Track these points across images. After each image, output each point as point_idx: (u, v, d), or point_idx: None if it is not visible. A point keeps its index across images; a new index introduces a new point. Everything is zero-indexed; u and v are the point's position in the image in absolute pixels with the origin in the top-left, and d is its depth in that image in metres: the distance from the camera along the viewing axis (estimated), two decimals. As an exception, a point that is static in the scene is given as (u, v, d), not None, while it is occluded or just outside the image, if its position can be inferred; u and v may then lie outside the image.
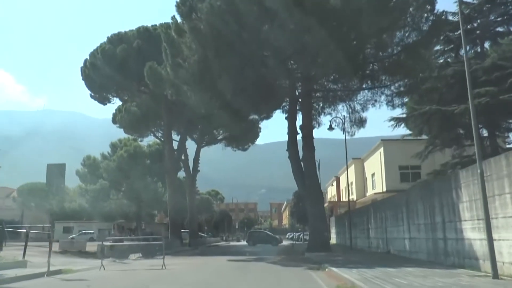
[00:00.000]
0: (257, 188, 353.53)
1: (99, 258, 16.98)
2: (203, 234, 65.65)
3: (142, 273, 15.40)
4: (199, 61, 24.82)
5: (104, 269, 16.17)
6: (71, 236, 66.69)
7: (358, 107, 32.24)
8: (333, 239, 44.00)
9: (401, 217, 20.99)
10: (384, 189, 53.11)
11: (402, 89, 30.97)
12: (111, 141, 76.67)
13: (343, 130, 31.69)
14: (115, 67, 39.29)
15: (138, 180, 68.83)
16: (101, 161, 73.92)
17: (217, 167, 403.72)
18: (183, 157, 55.80)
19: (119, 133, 70.12)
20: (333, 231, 46.68)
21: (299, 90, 29.88)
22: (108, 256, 17.66)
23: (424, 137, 44.49)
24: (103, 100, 45.52)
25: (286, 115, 31.11)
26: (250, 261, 21.89)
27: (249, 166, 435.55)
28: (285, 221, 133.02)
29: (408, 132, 36.65)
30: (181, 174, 62.94)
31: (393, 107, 30.23)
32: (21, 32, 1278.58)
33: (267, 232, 64.02)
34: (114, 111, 53.70)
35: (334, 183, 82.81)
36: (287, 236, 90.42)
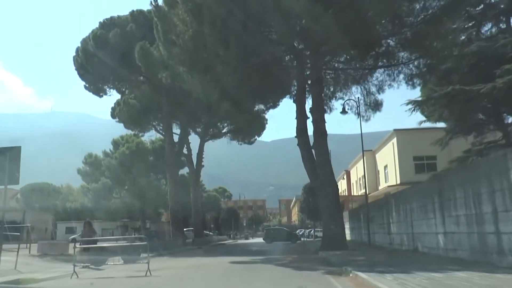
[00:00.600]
0: (265, 185, 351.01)
1: (76, 262, 13.90)
2: (208, 232, 62.62)
3: (117, 283, 12.28)
4: (193, 37, 21.66)
5: (78, 277, 13.10)
6: (72, 236, 63.79)
7: (373, 89, 28.94)
8: (347, 235, 40.74)
9: (431, 208, 17.72)
10: (398, 182, 50.27)
11: (421, 67, 27.70)
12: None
13: (358, 114, 28.43)
14: (108, 54, 36.11)
15: (141, 177, 65.90)
16: (102, 159, 71.10)
17: (225, 165, 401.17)
18: (186, 152, 52.80)
19: (125, 133, 67.44)
20: (346, 227, 43.28)
21: (308, 72, 26.61)
22: (84, 260, 14.57)
23: (439, 125, 41.35)
24: (99, 92, 42.40)
25: (294, 98, 27.83)
26: (256, 262, 18.76)
27: (257, 163, 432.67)
28: (294, 217, 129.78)
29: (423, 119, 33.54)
30: (186, 170, 60.12)
31: (413, 86, 26.97)
32: (27, 34, 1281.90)
33: (285, 228, 60.74)
34: (112, 105, 50.80)
35: (345, 177, 79.66)
36: (296, 233, 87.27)
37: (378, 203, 29.68)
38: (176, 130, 53.69)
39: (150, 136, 57.71)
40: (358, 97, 28.76)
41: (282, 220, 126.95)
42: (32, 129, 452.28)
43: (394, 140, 52.75)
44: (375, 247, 25.62)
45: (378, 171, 62.45)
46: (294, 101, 27.17)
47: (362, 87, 28.82)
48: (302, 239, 53.85)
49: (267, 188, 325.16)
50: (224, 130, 56.61)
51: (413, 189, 21.53)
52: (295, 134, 25.73)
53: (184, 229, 65.01)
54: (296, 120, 25.71)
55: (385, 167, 58.92)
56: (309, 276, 12.53)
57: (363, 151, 31.00)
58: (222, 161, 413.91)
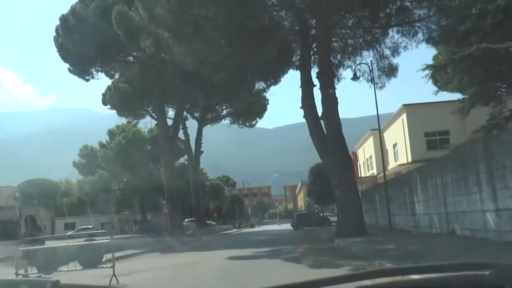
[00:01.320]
0: (270, 173, 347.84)
1: (17, 268, 10.41)
2: (211, 222, 59.17)
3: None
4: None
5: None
6: (69, 233, 60.50)
7: (387, 52, 25.19)
8: None
9: (474, 181, 14.11)
10: (409, 160, 46.91)
11: (439, 25, 24.00)
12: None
13: (371, 79, 24.67)
14: (91, 31, 32.26)
15: (140, 167, 62.60)
16: (98, 150, 67.75)
17: (228, 154, 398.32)
18: (183, 137, 49.34)
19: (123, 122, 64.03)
20: None
21: (313, 32, 22.88)
22: (28, 266, 11.05)
23: (452, 98, 38.06)
24: (84, 75, 38.66)
25: (298, 65, 24.10)
26: (261, 257, 15.16)
27: (260, 151, 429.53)
28: (300, 203, 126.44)
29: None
30: (185, 159, 56.56)
31: (435, 43, 23.20)
32: (25, 32, 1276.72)
33: (316, 213, 56.94)
34: (103, 91, 47.26)
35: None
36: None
37: (397, 180, 26.06)
38: (172, 114, 50.31)
39: (146, 123, 54.09)
40: (371, 60, 25.02)
41: (288, 206, 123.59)
42: (34, 126, 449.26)
43: (404, 116, 49.47)
44: (398, 231, 22.07)
45: (387, 150, 58.96)
46: (297, 68, 23.49)
47: (374, 50, 25.10)
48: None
49: (272, 176, 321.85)
50: (223, 113, 53.12)
51: (445, 159, 17.82)
52: (300, 105, 22.09)
53: (186, 220, 61.86)
54: (301, 89, 22.08)
55: (394, 145, 55.56)
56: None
57: (379, 125, 27.27)
58: (225, 151, 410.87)
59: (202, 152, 50.11)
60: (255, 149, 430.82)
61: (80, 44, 33.63)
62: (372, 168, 66.47)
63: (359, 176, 68.35)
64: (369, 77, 24.92)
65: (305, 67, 22.19)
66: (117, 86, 44.30)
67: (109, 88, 45.83)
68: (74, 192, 78.54)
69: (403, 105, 50.66)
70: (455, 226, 16.04)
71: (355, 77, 23.75)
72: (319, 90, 21.15)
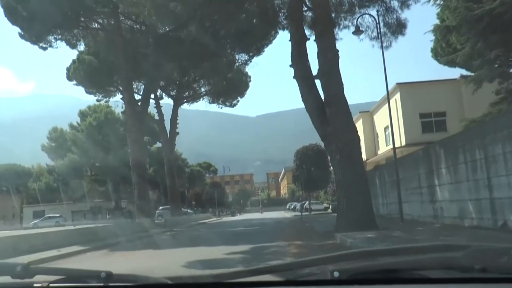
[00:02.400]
0: (252, 161, 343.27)
1: None
2: (188, 210, 53.97)
3: None
4: None
5: None
6: (33, 222, 55.03)
7: (394, 4, 20.27)
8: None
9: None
10: (403, 143, 42.56)
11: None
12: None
13: (377, 36, 19.68)
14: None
15: (112, 151, 57.20)
16: (67, 133, 62.15)
17: (210, 142, 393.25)
18: (157, 117, 44.23)
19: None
20: None
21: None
22: None
23: (448, 77, 34.89)
24: (39, 42, 32.92)
25: (286, 19, 19.08)
26: (235, 261, 10.08)
27: (243, 139, 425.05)
28: (284, 190, 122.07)
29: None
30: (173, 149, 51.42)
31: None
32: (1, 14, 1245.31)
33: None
34: (67, 66, 41.75)
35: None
36: (287, 207, 79.34)
37: (407, 160, 21.13)
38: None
39: (117, 102, 48.64)
40: (378, 11, 20.00)
41: (271, 194, 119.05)
42: (13, 113, 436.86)
43: (397, 95, 45.15)
44: (412, 223, 17.35)
45: (377, 134, 54.69)
46: (285, 18, 18.47)
47: (379, 1, 20.11)
48: (299, 213, 45.77)
49: (254, 163, 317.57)
50: (201, 92, 48.05)
51: (494, 123, 12.79)
52: (290, 62, 16.99)
53: (160, 208, 56.72)
54: (290, 42, 17.03)
55: (386, 128, 51.07)
56: None
57: (388, 92, 22.25)
58: (207, 139, 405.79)
59: (178, 133, 44.98)
60: (238, 137, 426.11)
61: (32, 4, 28.20)
62: (361, 153, 62.18)
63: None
64: (373, 34, 20.04)
65: (294, 15, 17.10)
66: (82, 59, 39.02)
67: (73, 61, 40.50)
68: (43, 178, 72.77)
69: (397, 83, 46.44)
70: (509, 217, 11.28)
71: (357, 31, 18.69)
72: (315, 43, 16.13)
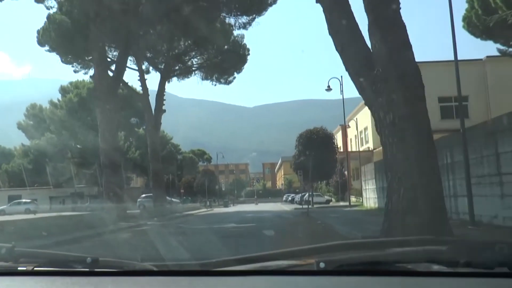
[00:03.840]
0: (248, 151, 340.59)
1: None
2: (173, 199, 47.70)
3: None
4: None
5: None
6: (1, 207, 48.82)
7: None
8: (372, 201, 26.16)
9: None
10: None
11: None
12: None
13: None
14: None
15: (95, 132, 51.00)
16: (45, 109, 55.95)
17: (206, 131, 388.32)
18: (141, 92, 38.16)
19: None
20: (371, 188, 27.78)
21: None
22: None
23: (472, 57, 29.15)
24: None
25: None
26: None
27: (239, 129, 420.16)
28: (280, 181, 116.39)
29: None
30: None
31: None
32: None
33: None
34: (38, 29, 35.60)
35: (339, 133, 65.84)
36: (283, 199, 73.47)
37: (477, 132, 14.40)
38: (131, 65, 39.05)
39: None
40: None
41: (267, 184, 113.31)
42: (9, 97, 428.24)
43: None
44: (490, 228, 11.40)
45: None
46: None
47: None
48: (306, 206, 39.90)
49: (250, 155, 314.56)
50: (194, 66, 41.99)
51: None
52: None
53: (142, 195, 50.68)
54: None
55: (398, 114, 44.97)
56: None
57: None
58: (203, 127, 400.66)
59: (165, 111, 38.89)
60: (234, 128, 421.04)
61: None
62: (367, 142, 56.40)
63: (350, 150, 58.49)
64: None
65: None
66: (53, 19, 32.86)
67: (45, 23, 34.41)
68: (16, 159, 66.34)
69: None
70: None
71: None
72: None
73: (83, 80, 53.22)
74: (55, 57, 36.29)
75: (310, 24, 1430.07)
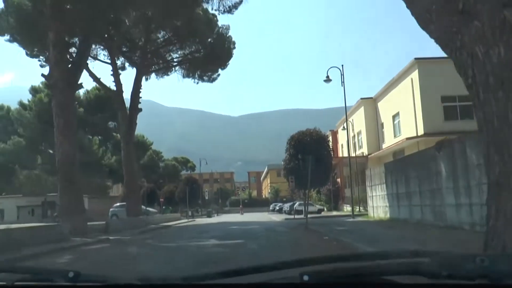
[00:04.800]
0: (233, 161, 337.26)
1: None
2: (151, 209, 42.82)
3: None
4: None
5: None
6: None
7: None
8: (379, 212, 21.72)
9: None
10: (421, 132, 34.83)
11: None
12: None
13: None
14: None
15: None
16: (12, 111, 51.15)
17: (191, 140, 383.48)
18: (114, 88, 33.76)
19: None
20: (380, 195, 23.28)
21: None
22: None
23: None
24: None
25: None
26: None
27: (225, 138, 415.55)
28: (266, 190, 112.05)
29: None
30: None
31: None
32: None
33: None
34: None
35: (330, 139, 61.96)
36: (271, 208, 69.10)
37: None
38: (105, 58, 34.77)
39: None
40: None
41: (252, 193, 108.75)
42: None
43: (415, 74, 36.18)
44: None
45: (382, 124, 45.36)
46: None
47: None
48: (289, 216, 35.89)
49: (235, 164, 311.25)
50: (174, 61, 37.78)
51: None
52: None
53: (115, 205, 45.98)
54: None
55: (395, 116, 41.73)
56: None
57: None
58: (188, 136, 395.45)
59: (141, 110, 34.58)
60: (220, 137, 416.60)
61: None
62: (361, 147, 52.62)
63: (342, 156, 54.73)
64: None
65: None
66: (10, 1, 28.43)
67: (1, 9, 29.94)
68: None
69: (415, 59, 37.25)
70: None
71: None
72: None
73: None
74: (37, 65, 31.76)
75: (297, 34, 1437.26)
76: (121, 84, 33.57)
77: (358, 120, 51.59)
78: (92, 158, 47.47)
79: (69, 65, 21.49)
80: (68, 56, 23.31)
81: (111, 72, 33.39)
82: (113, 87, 33.63)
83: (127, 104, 34.25)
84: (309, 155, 31.43)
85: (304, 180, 33.11)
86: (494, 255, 1.52)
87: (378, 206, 21.67)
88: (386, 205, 20.38)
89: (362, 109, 48.73)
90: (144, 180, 75.99)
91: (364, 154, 48.66)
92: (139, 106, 34.28)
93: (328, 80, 27.91)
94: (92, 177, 50.18)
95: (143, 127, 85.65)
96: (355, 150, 54.21)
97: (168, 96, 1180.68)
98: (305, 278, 1.47)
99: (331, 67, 29.27)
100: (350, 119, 52.78)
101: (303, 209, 42.24)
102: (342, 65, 29.03)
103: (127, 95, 34.51)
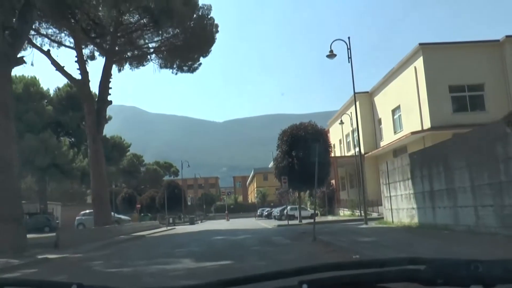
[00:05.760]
0: (218, 166, 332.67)
1: None
2: (123, 217, 37.37)
3: None
4: None
5: None
6: None
7: None
8: (402, 215, 16.68)
9: None
10: (427, 126, 30.98)
11: None
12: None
13: None
14: None
15: (35, 136, 41.34)
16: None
17: (175, 146, 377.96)
18: (80, 78, 28.82)
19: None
20: (403, 194, 18.12)
21: None
22: None
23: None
24: None
25: None
26: None
27: (209, 144, 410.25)
28: (252, 195, 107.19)
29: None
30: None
31: None
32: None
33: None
34: None
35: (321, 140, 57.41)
36: (258, 214, 64.17)
37: None
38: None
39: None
40: None
41: (238, 199, 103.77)
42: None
43: (419, 62, 32.15)
44: None
45: (380, 120, 41.16)
46: None
47: None
48: (281, 222, 31.33)
49: (220, 170, 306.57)
50: (150, 49, 32.99)
51: None
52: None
53: (82, 212, 40.75)
54: None
55: (395, 110, 37.52)
56: None
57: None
58: (172, 142, 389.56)
59: (111, 102, 29.74)
60: (204, 143, 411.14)
61: None
62: (355, 146, 48.23)
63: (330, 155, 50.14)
64: None
65: None
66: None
67: None
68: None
69: (420, 44, 33.17)
70: None
71: None
72: None
73: (22, 75, 43.56)
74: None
75: (281, 40, 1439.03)
76: (87, 73, 28.73)
77: (352, 117, 47.24)
78: (61, 161, 42.27)
79: (5, 31, 16.55)
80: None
81: (76, 59, 28.54)
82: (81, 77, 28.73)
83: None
84: (301, 152, 26.99)
85: (299, 179, 28.63)
86: (488, 261, 1.27)
87: (400, 208, 16.99)
88: (413, 207, 15.74)
89: (357, 105, 44.43)
90: (124, 186, 71.00)
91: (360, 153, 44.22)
92: (109, 98, 29.49)
93: (332, 55, 23.37)
94: (61, 181, 44.95)
95: (127, 134, 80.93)
96: (349, 150, 49.87)
97: (152, 102, 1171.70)
98: (304, 286, 1.42)
99: (335, 40, 24.67)
100: (348, 113, 48.41)
101: (295, 214, 37.63)
102: (349, 37, 24.49)
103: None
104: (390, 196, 17.76)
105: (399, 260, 1.51)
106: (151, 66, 33.97)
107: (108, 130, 49.40)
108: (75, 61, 28.46)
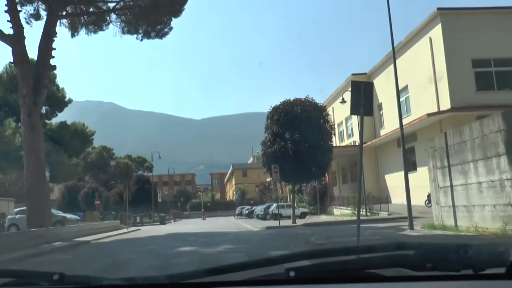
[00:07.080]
0: (196, 164, 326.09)
1: None
2: (70, 216, 29.68)
3: None
4: None
5: None
6: None
7: None
8: (474, 217, 10.23)
9: None
10: (447, 106, 25.67)
11: None
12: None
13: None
14: None
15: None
16: None
17: (152, 143, 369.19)
18: (12, 32, 21.72)
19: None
20: (458, 192, 11.72)
21: None
22: None
23: None
24: None
25: None
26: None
27: (187, 142, 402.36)
28: (230, 193, 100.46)
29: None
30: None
31: None
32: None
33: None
34: None
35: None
36: (237, 212, 57.59)
37: None
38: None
39: None
40: None
41: (216, 196, 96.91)
42: None
43: (437, 30, 26.21)
44: None
45: (380, 105, 35.10)
46: None
47: None
48: (273, 222, 24.97)
49: (198, 167, 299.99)
50: (109, 8, 26.05)
51: None
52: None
53: (16, 210, 33.09)
54: None
55: (401, 91, 30.87)
56: None
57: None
58: (148, 140, 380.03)
59: (54, 67, 22.93)
60: (181, 139, 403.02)
61: None
62: (350, 136, 42.28)
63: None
64: None
65: None
66: None
67: None
68: None
69: (438, 9, 27.06)
70: None
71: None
72: None
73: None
74: None
75: (264, 37, 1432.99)
76: (22, 27, 21.70)
77: (347, 104, 40.76)
78: (5, 147, 34.87)
79: None
80: None
81: (6, 9, 21.45)
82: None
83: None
84: (297, 133, 20.34)
85: (294, 169, 21.95)
86: (477, 246, 1.28)
87: (476, 205, 10.15)
88: (500, 203, 9.15)
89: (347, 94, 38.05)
90: (93, 181, 63.72)
91: (357, 143, 37.77)
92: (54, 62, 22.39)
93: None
94: (5, 170, 37.50)
95: (104, 130, 74.08)
96: (341, 140, 43.67)
97: (130, 98, 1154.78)
98: (291, 274, 1.42)
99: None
100: (333, 106, 42.14)
101: (282, 213, 31.13)
102: None
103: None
104: (451, 186, 11.08)
105: (386, 245, 1.46)
106: (110, 30, 26.94)
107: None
108: (5, 11, 21.39)
